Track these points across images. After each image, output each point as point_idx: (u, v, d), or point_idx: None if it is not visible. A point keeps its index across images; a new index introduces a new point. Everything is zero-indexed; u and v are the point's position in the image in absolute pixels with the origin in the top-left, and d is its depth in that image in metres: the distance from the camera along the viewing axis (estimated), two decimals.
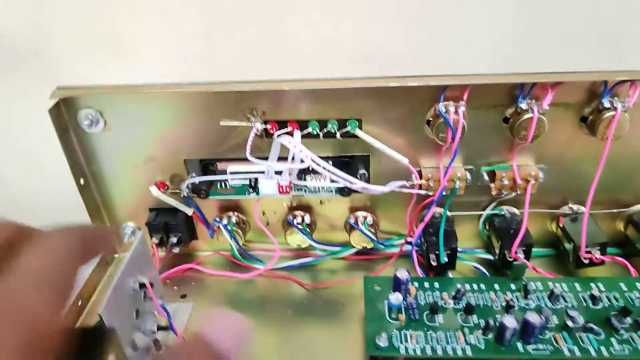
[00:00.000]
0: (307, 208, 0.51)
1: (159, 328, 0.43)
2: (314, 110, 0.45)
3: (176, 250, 0.52)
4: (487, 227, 0.51)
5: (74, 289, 0.20)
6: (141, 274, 0.43)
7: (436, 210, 0.49)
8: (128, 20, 0.44)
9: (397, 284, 0.44)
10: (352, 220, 0.50)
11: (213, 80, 0.45)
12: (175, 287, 0.51)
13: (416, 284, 0.45)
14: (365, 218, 0.50)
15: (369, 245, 0.51)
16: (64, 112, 0.46)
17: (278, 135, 0.42)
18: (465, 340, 0.39)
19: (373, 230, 0.50)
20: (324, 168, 0.40)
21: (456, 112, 0.42)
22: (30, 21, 0.45)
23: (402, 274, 0.43)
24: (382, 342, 0.39)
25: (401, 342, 0.39)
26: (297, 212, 0.51)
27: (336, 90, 0.44)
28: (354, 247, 0.52)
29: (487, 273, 0.49)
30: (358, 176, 0.47)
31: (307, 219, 0.50)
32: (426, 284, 0.45)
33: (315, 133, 0.45)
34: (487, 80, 0.42)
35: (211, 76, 0.45)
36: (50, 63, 0.46)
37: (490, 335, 0.40)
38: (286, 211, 0.52)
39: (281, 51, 0.44)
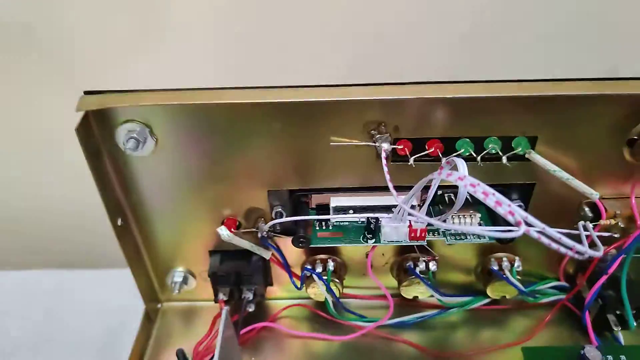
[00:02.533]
0: (426, 250, 0.38)
1: None
2: (466, 123, 0.31)
3: (251, 308, 0.38)
4: None
5: None
6: None
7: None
8: None
9: None
10: (495, 267, 0.37)
11: (323, 83, 0.31)
12: (252, 358, 0.38)
13: (610, 359, 0.33)
14: (511, 263, 0.37)
15: (510, 296, 0.39)
16: (95, 128, 0.31)
17: (448, 162, 0.28)
18: None
19: (519, 278, 0.38)
20: (526, 221, 0.25)
21: None
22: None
23: (594, 355, 0.31)
24: None
25: None
26: (416, 256, 0.38)
27: (504, 98, 0.30)
28: (487, 296, 0.39)
29: None
30: None
31: (433, 267, 0.37)
32: (623, 359, 0.33)
33: (467, 155, 0.32)
34: None
35: (317, 78, 0.31)
36: (72, 60, 0.31)
37: None
38: (398, 253, 0.39)
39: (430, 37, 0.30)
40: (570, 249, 0.25)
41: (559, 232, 0.24)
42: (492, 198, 0.25)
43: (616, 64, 0.29)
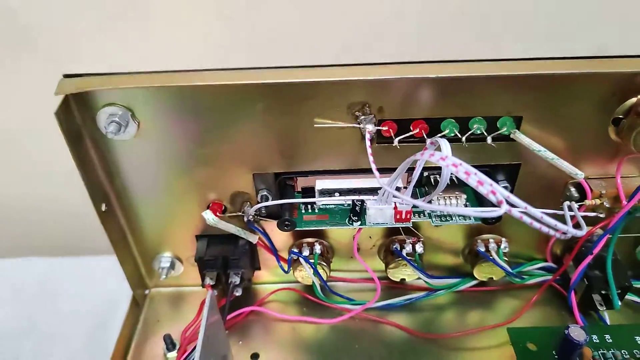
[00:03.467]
0: (412, 232, 0.38)
1: None
2: (450, 104, 0.31)
3: (239, 292, 0.38)
4: None
5: None
6: (216, 349, 0.30)
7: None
8: None
9: (569, 348, 0.32)
10: (481, 249, 0.37)
11: (306, 64, 0.30)
12: (240, 342, 0.38)
13: (595, 338, 0.33)
14: (498, 244, 0.37)
15: (497, 277, 0.39)
16: (75, 112, 0.31)
17: (432, 143, 0.28)
18: None
19: (507, 259, 0.38)
20: (508, 201, 0.25)
21: None
22: None
23: (578, 334, 0.31)
24: None
25: None
26: (402, 238, 0.38)
27: (488, 77, 0.30)
28: (475, 278, 0.39)
29: None
30: None
31: (420, 248, 0.37)
32: (608, 339, 0.33)
33: (452, 136, 0.31)
34: None
35: (301, 59, 0.30)
36: (51, 41, 0.30)
37: None
38: (386, 235, 0.39)
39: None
40: (552, 227, 0.25)
41: (541, 211, 0.24)
42: (474, 178, 0.24)
43: (601, 42, 0.29)
